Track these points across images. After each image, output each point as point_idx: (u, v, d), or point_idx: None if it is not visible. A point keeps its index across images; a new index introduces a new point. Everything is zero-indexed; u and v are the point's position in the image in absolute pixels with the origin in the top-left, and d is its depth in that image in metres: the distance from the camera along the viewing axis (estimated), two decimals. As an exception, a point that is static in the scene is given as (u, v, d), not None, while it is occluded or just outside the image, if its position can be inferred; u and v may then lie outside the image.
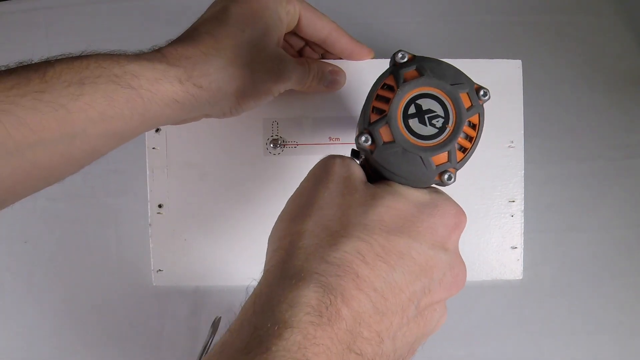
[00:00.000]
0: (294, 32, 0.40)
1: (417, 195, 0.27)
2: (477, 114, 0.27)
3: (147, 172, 0.45)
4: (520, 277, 0.45)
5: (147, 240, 0.45)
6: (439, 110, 0.26)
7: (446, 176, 0.27)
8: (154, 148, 0.45)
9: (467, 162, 0.28)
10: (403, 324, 0.26)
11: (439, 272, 0.27)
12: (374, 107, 0.27)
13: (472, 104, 0.27)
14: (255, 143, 0.44)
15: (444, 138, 0.26)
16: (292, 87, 0.39)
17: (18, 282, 0.52)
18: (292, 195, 0.29)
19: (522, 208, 0.45)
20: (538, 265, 0.50)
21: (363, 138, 0.26)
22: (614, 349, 0.50)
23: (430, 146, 0.26)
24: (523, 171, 0.45)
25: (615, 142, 0.51)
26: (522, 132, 0.45)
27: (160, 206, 0.45)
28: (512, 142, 0.45)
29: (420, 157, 0.26)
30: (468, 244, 0.45)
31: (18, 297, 0.52)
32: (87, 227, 0.52)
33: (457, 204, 0.29)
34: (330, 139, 0.44)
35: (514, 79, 0.44)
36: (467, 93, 0.27)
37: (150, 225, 0.45)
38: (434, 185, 0.29)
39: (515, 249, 0.45)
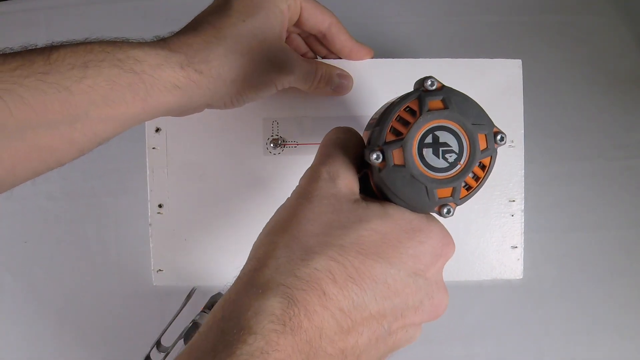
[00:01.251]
0: (296, 27, 0.41)
1: (411, 219, 0.28)
2: (490, 157, 0.27)
3: (147, 172, 0.45)
4: (521, 277, 0.45)
5: (147, 240, 0.45)
6: (454, 145, 0.27)
7: (445, 210, 0.27)
8: (154, 148, 0.45)
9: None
10: (371, 344, 0.26)
11: (416, 299, 0.27)
12: (392, 127, 0.27)
13: (487, 147, 0.27)
14: (256, 143, 0.44)
15: (453, 174, 0.27)
16: (298, 85, 0.39)
17: (18, 282, 0.52)
18: (278, 208, 0.29)
19: (523, 207, 0.45)
20: (538, 265, 0.50)
21: (374, 155, 0.26)
22: (614, 349, 0.50)
23: (438, 178, 0.26)
24: (523, 170, 0.45)
25: (615, 142, 0.51)
26: (523, 131, 0.45)
27: (160, 206, 0.45)
28: (512, 141, 0.45)
29: (426, 187, 0.26)
30: (468, 244, 0.45)
31: (18, 297, 0.52)
32: (87, 227, 0.52)
33: (449, 235, 0.29)
34: (330, 138, 0.44)
35: (514, 78, 0.44)
36: (486, 135, 0.27)
37: (150, 225, 0.45)
38: None
39: (516, 249, 0.45)
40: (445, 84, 0.27)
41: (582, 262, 0.50)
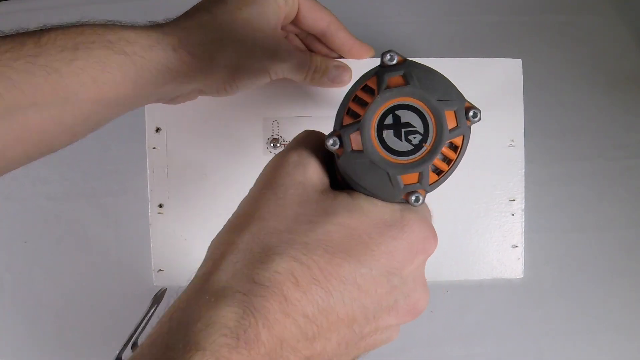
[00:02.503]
0: (295, 26, 0.41)
1: (383, 211, 0.25)
2: (462, 136, 0.24)
3: (148, 172, 0.45)
4: (521, 276, 0.45)
5: (147, 240, 0.45)
6: (418, 125, 0.24)
7: (413, 197, 0.24)
8: (154, 148, 0.45)
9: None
10: (341, 350, 0.24)
11: (389, 299, 0.25)
12: (349, 108, 0.25)
13: (457, 125, 0.24)
14: (256, 143, 0.44)
15: (418, 157, 0.24)
16: (292, 75, 0.39)
17: (18, 282, 0.52)
18: (241, 201, 0.26)
19: (523, 207, 0.45)
20: (538, 265, 0.50)
21: (331, 141, 0.24)
22: (614, 349, 0.50)
23: (401, 163, 0.24)
24: (523, 170, 0.45)
25: (615, 142, 0.51)
26: (523, 131, 0.45)
27: (160, 206, 0.45)
28: (512, 141, 0.45)
29: (388, 173, 0.24)
30: (468, 243, 0.45)
31: (18, 297, 0.52)
32: (87, 227, 0.52)
33: (431, 228, 0.26)
34: (330, 138, 0.44)
35: (514, 78, 0.44)
36: (455, 112, 0.24)
37: (150, 225, 0.45)
38: None
39: (516, 248, 0.45)
40: (408, 58, 0.24)
41: (582, 262, 0.50)
